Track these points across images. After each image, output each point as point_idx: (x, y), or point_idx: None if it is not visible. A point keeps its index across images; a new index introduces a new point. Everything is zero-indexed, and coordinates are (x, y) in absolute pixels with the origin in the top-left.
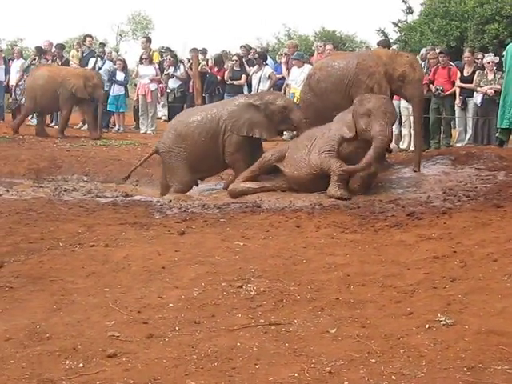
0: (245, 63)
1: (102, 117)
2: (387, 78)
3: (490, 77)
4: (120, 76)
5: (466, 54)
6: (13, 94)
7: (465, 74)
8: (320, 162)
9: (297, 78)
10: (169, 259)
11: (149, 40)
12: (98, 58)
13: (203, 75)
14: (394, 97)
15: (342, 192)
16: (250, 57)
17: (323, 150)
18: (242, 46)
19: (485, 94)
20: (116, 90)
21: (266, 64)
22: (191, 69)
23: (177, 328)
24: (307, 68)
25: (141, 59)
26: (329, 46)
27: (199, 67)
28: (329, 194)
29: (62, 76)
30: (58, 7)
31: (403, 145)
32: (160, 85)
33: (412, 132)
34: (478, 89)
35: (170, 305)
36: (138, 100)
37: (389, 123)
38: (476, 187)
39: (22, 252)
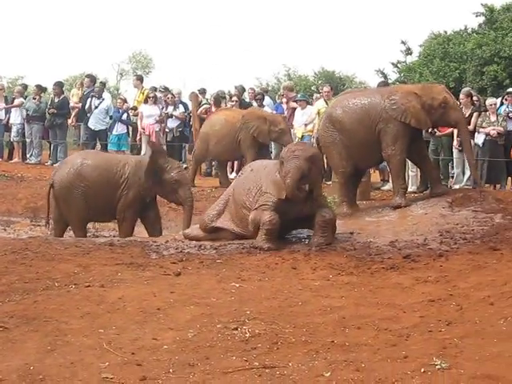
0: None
1: None
2: (426, 109)
3: (493, 118)
4: (124, 115)
5: (461, 96)
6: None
7: None
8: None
9: (299, 120)
10: (164, 300)
11: (140, 78)
12: (94, 98)
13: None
14: None
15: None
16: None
17: None
18: (235, 87)
19: (487, 134)
20: (119, 129)
21: (264, 105)
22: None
23: (171, 370)
24: (309, 110)
25: (146, 99)
26: (326, 88)
27: (201, 109)
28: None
29: (242, 120)
30: (60, 45)
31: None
32: (162, 125)
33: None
34: (481, 129)
35: (165, 347)
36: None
37: None
38: (473, 229)
39: (16, 292)
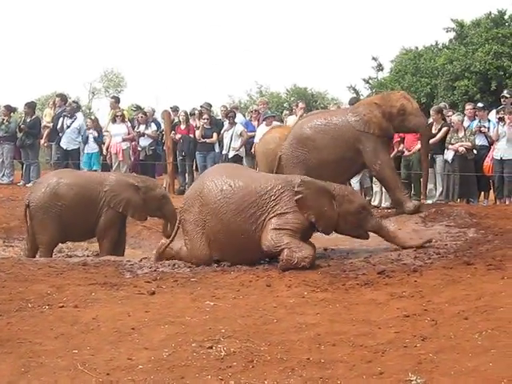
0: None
1: None
2: (387, 117)
3: (461, 134)
4: (95, 134)
5: (432, 113)
6: None
7: (433, 130)
8: None
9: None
10: (139, 320)
11: (118, 100)
12: (66, 117)
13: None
14: None
15: None
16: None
17: None
18: (201, 106)
19: (456, 151)
20: (90, 148)
21: (236, 123)
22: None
23: None
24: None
25: (114, 118)
26: (301, 104)
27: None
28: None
29: None
30: (31, 65)
31: (374, 201)
32: (133, 143)
33: (383, 190)
34: (450, 146)
35: (140, 366)
36: (110, 158)
37: None
38: (446, 244)
39: None
